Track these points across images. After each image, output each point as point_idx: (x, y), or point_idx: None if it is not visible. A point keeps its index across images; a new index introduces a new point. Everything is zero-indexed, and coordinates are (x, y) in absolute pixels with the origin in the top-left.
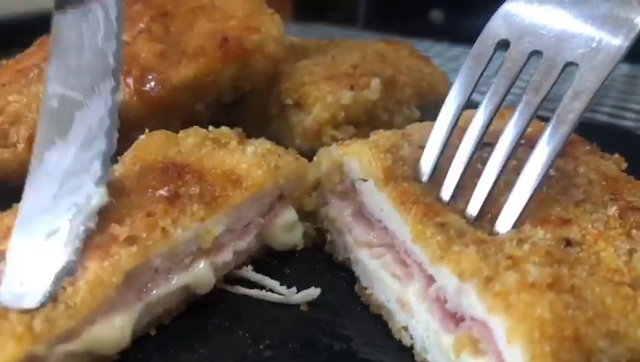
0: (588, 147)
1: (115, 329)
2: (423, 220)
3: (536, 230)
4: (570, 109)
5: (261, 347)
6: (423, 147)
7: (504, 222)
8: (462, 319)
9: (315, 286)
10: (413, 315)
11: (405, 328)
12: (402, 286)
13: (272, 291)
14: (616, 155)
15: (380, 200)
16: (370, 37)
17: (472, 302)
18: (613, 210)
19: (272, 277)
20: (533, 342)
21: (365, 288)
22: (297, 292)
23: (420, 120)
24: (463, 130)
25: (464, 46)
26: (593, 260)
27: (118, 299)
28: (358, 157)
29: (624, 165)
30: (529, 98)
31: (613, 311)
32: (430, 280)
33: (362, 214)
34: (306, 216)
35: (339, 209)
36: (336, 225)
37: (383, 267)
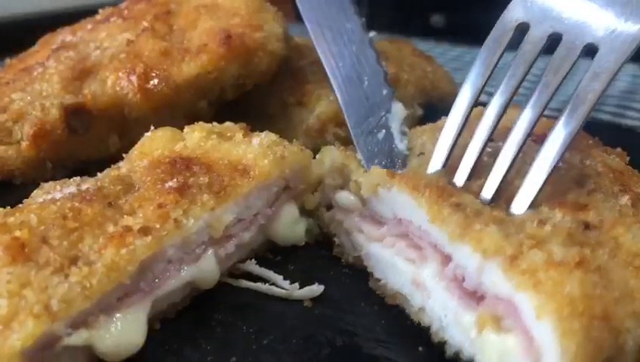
0: (591, 141)
1: (131, 321)
2: (438, 201)
3: (554, 212)
4: (590, 90)
5: (265, 342)
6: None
7: (520, 203)
8: (482, 297)
9: (319, 283)
10: (430, 295)
11: (422, 309)
12: (416, 268)
13: (276, 285)
14: (619, 149)
15: (389, 194)
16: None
17: (496, 280)
18: (625, 199)
19: (276, 273)
20: (563, 319)
21: (379, 280)
22: (301, 288)
23: (423, 118)
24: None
25: (465, 47)
26: (613, 244)
27: (131, 289)
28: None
29: (627, 158)
30: (548, 79)
31: (637, 292)
32: (447, 260)
33: (371, 212)
34: (308, 214)
35: (346, 210)
36: (344, 226)
37: (396, 253)
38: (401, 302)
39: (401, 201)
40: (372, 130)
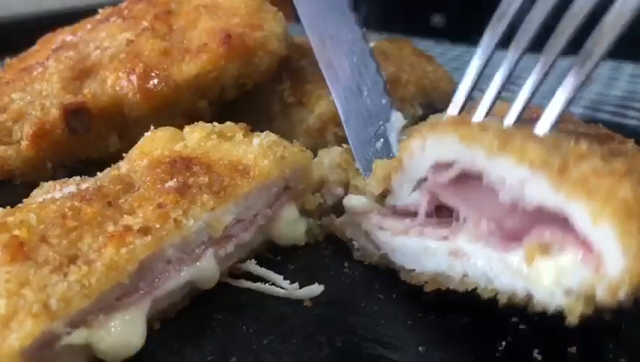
0: (574, 118)
1: (130, 322)
2: (462, 123)
3: (579, 140)
4: (616, 21)
5: (265, 342)
6: None
7: (545, 122)
8: (523, 235)
9: (319, 283)
10: (470, 257)
11: (465, 275)
12: (450, 241)
13: (276, 285)
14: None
15: (404, 172)
16: (372, 37)
17: (543, 191)
18: (630, 145)
19: (276, 273)
20: (621, 221)
21: (412, 271)
22: (301, 288)
23: (423, 118)
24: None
25: (465, 47)
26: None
27: (130, 289)
28: None
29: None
30: (574, 12)
31: None
32: (479, 218)
33: (389, 207)
34: (308, 214)
35: (360, 213)
36: (362, 228)
37: (426, 237)
38: (442, 281)
39: (419, 153)
40: (370, 140)
